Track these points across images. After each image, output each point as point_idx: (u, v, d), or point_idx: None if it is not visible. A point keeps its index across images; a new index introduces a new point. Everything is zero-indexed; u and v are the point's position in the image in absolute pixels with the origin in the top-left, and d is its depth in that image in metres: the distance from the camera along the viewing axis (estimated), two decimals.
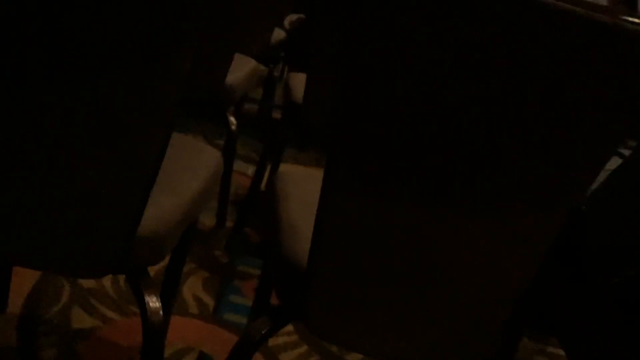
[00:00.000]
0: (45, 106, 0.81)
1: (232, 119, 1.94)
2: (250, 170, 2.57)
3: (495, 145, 0.79)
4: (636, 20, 0.69)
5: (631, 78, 0.73)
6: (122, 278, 1.64)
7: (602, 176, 1.22)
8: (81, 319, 1.47)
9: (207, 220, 2.07)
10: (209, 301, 1.67)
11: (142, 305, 0.94)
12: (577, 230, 1.18)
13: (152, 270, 0.98)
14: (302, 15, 3.52)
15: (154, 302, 0.94)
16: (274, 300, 1.07)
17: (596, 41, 0.71)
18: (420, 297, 0.90)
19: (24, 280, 1.54)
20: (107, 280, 1.63)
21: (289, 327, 1.61)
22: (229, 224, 2.10)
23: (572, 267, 1.19)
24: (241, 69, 2.03)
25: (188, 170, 1.12)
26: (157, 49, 0.79)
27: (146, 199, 0.88)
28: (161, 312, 0.95)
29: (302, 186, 1.17)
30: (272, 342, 1.55)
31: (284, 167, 2.36)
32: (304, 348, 1.56)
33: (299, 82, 1.94)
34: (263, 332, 0.94)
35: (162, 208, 0.96)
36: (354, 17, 0.73)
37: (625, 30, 0.69)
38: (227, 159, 2.01)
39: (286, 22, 3.38)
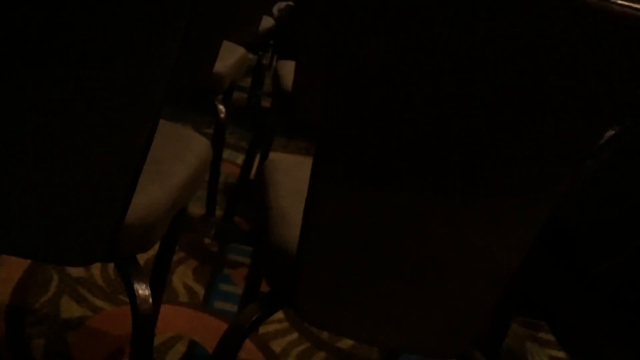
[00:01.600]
0: (32, 94, 0.80)
1: (221, 107, 1.93)
2: (240, 159, 2.56)
3: (484, 136, 0.79)
4: (624, 2, 0.69)
5: (618, 60, 0.73)
6: (111, 267, 1.64)
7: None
8: (70, 309, 1.46)
9: (197, 209, 2.07)
10: (199, 289, 1.67)
11: (132, 293, 0.94)
12: (566, 220, 1.18)
13: (142, 259, 0.98)
14: (290, 3, 3.50)
15: (143, 290, 0.94)
16: (264, 289, 1.07)
17: (584, 23, 0.71)
18: (411, 284, 0.90)
19: (12, 269, 1.53)
20: (96, 270, 1.62)
21: (279, 315, 1.61)
22: (219, 212, 2.09)
23: (561, 254, 1.20)
24: (230, 56, 2.02)
25: (177, 157, 1.12)
26: (145, 36, 0.78)
27: (134, 186, 0.87)
28: (151, 300, 0.95)
29: (291, 174, 1.16)
30: (262, 329, 1.55)
31: (273, 156, 2.36)
32: (294, 335, 1.57)
33: (288, 70, 1.93)
34: (253, 319, 0.94)
35: (150, 195, 0.95)
36: (346, 8, 0.73)
37: (612, 12, 0.69)
38: (216, 147, 2.00)
39: (275, 10, 3.36)
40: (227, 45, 1.97)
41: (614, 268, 1.11)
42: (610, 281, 1.12)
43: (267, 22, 2.97)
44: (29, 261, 1.56)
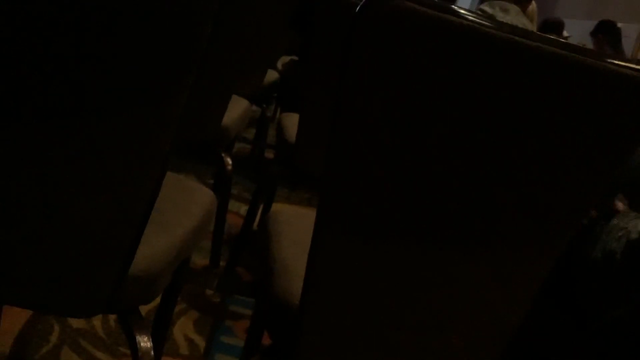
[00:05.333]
0: (38, 145, 0.81)
1: (228, 160, 1.95)
2: (243, 209, 2.57)
3: (488, 191, 0.79)
4: (622, 62, 0.71)
5: (617, 119, 0.74)
6: (112, 318, 1.63)
7: None
8: None
9: (199, 259, 2.06)
10: (200, 342, 1.65)
11: (133, 345, 0.93)
12: (570, 271, 1.18)
13: (143, 309, 0.97)
14: (294, 57, 3.57)
15: (145, 343, 0.94)
16: (265, 341, 1.06)
17: (584, 84, 0.73)
18: (414, 336, 0.90)
19: (13, 320, 1.52)
20: (97, 321, 1.61)
21: None
22: (222, 263, 2.09)
23: (565, 305, 1.19)
24: (235, 109, 2.05)
25: (181, 208, 1.12)
26: (152, 90, 0.80)
27: (139, 238, 0.88)
28: (152, 353, 0.94)
29: (294, 225, 1.17)
30: None
31: (276, 207, 2.36)
32: None
33: (291, 122, 1.95)
34: None
35: (154, 246, 0.96)
36: (349, 62, 0.75)
37: (611, 73, 0.71)
38: (222, 199, 2.01)
39: (279, 64, 3.42)
40: (231, 99, 2.00)
41: (618, 319, 1.10)
42: (614, 332, 1.11)
43: (271, 75, 3.02)
44: (30, 312, 1.56)
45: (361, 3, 0.70)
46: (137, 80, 0.79)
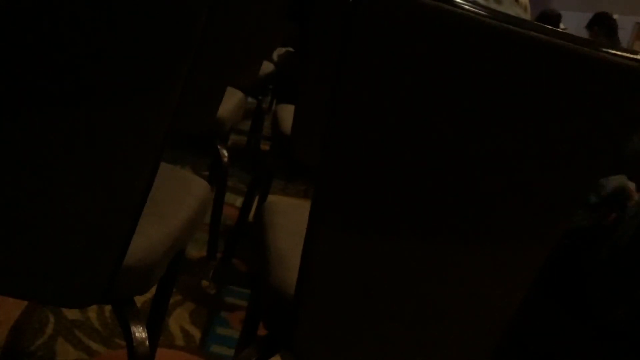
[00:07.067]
0: (34, 136, 0.81)
1: (224, 152, 1.95)
2: (239, 201, 2.57)
3: (483, 183, 0.79)
4: (617, 52, 0.71)
5: (612, 108, 0.74)
6: (107, 309, 1.63)
7: None
8: (66, 352, 1.45)
9: (195, 251, 2.06)
10: (196, 333, 1.66)
11: (128, 335, 0.93)
12: (576, 267, 1.18)
13: (139, 301, 0.97)
14: (290, 49, 3.56)
15: (140, 333, 0.94)
16: (261, 332, 1.07)
17: (579, 73, 0.72)
18: (409, 327, 0.90)
19: (8, 311, 1.52)
20: (92, 312, 1.61)
21: (276, 359, 1.59)
22: (219, 255, 2.09)
23: (569, 303, 1.19)
24: (230, 101, 2.05)
25: (176, 199, 1.12)
26: (147, 80, 0.79)
27: (134, 228, 0.87)
28: (147, 343, 0.94)
29: (290, 216, 1.17)
30: None
31: (272, 198, 2.36)
32: None
33: (287, 113, 1.95)
34: None
35: (149, 237, 0.96)
36: (346, 55, 0.74)
37: (607, 62, 0.71)
38: (219, 191, 2.00)
39: (275, 56, 3.42)
40: (227, 90, 2.00)
41: (625, 316, 1.10)
42: (620, 329, 1.11)
43: (267, 67, 3.02)
44: (25, 302, 1.55)
45: None
46: (131, 70, 0.78)
